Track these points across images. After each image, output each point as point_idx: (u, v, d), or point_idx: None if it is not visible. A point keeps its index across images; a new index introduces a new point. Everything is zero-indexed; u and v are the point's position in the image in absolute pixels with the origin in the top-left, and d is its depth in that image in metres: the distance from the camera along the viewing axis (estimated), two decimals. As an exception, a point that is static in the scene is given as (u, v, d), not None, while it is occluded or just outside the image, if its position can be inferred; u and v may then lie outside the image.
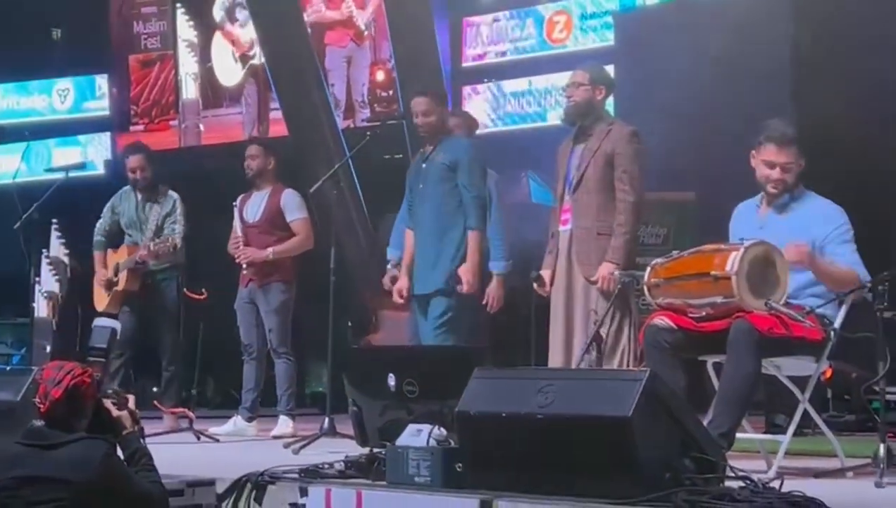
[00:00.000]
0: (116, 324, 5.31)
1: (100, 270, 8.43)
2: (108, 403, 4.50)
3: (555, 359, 6.44)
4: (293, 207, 8.14)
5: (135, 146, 8.90)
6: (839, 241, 5.40)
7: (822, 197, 5.57)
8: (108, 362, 4.70)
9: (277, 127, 13.47)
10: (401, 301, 7.23)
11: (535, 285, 6.46)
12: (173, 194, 8.40)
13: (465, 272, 6.90)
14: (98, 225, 8.55)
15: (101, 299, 8.37)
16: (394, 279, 7.55)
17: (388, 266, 7.70)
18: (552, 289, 6.52)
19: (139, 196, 8.41)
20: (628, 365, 6.20)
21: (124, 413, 4.49)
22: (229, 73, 14.50)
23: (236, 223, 8.24)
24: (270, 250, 8.05)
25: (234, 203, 8.31)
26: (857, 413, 8.15)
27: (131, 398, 4.53)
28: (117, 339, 5.39)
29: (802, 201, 5.54)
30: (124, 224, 8.46)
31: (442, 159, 7.03)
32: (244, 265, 8.07)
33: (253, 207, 8.27)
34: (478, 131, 8.55)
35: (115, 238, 8.51)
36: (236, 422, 8.10)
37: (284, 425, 7.93)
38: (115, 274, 8.30)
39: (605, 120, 6.56)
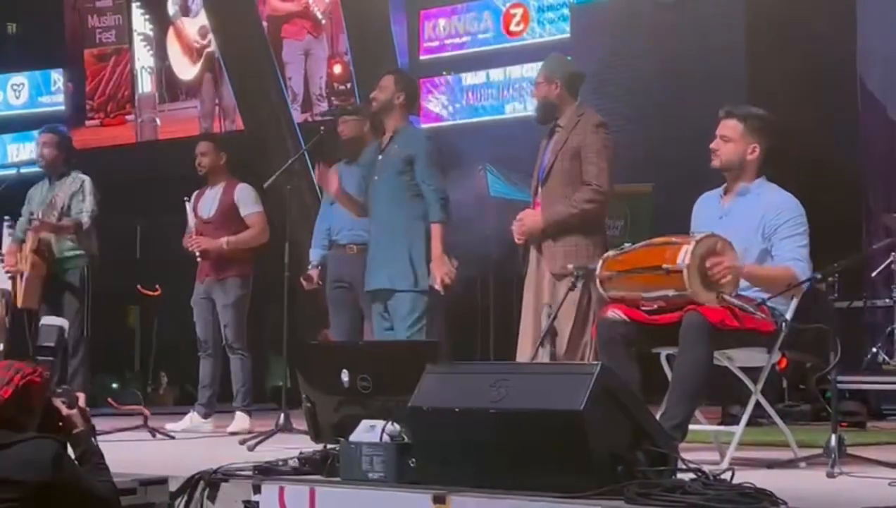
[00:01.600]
0: (64, 321, 5.25)
1: (8, 261, 8.21)
2: (58, 402, 4.46)
3: (523, 353, 6.40)
4: (248, 201, 8.12)
5: (48, 126, 8.70)
6: (786, 234, 5.41)
7: (782, 190, 5.57)
8: (56, 360, 4.66)
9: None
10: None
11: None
12: (82, 176, 8.27)
13: (437, 268, 6.73)
14: (20, 222, 8.33)
15: (16, 293, 8.13)
16: (309, 280, 7.60)
17: (310, 267, 7.73)
18: (525, 282, 6.51)
19: (54, 180, 8.25)
20: (586, 359, 6.18)
21: (74, 412, 4.45)
22: (186, 67, 14.45)
23: (190, 219, 8.20)
24: (225, 239, 8.03)
25: (185, 199, 8.26)
26: (812, 403, 8.22)
27: (81, 397, 4.48)
28: (65, 337, 5.33)
29: (761, 192, 5.54)
30: (34, 209, 8.25)
31: (398, 152, 6.87)
32: (199, 258, 8.03)
33: (207, 202, 8.23)
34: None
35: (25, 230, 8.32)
36: (192, 419, 8.08)
37: (241, 421, 7.90)
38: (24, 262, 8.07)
39: (575, 111, 6.44)
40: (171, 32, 14.48)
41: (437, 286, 6.70)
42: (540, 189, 6.46)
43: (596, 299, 6.23)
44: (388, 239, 6.86)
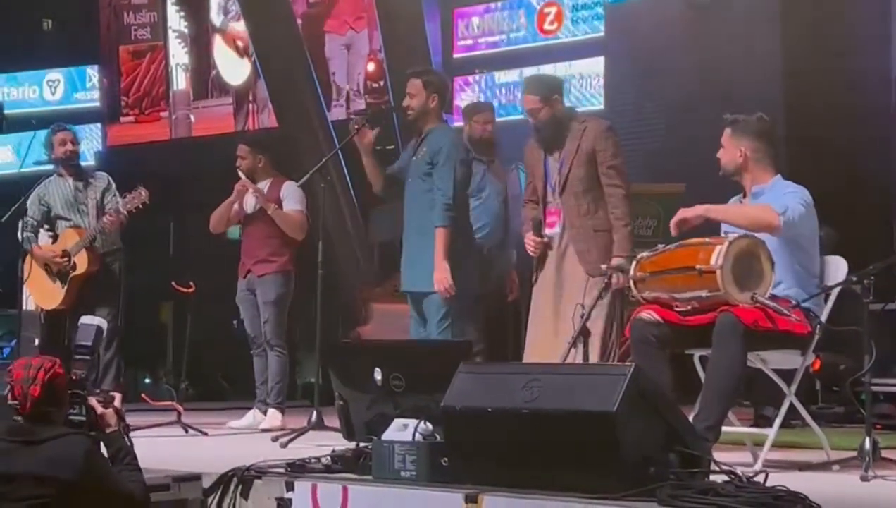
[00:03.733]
0: (103, 321, 5.27)
1: (44, 259, 8.07)
2: (93, 400, 4.50)
3: (535, 355, 6.43)
4: (293, 198, 8.11)
5: (60, 124, 8.65)
6: (783, 193, 5.44)
7: (795, 184, 5.58)
8: (92, 359, 4.71)
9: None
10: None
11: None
12: (104, 173, 8.31)
13: (435, 273, 6.73)
14: (26, 221, 8.15)
15: (50, 295, 8.08)
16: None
17: None
18: (537, 286, 6.56)
19: (70, 180, 8.24)
20: (616, 359, 6.21)
21: (109, 411, 4.48)
22: (236, 71, 14.43)
23: (236, 207, 8.28)
24: (273, 205, 8.06)
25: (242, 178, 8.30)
26: (846, 405, 8.16)
27: (117, 397, 4.53)
28: (103, 337, 5.36)
29: (775, 190, 5.55)
30: (59, 210, 8.18)
31: (424, 154, 6.91)
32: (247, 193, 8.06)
33: (251, 198, 8.26)
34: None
35: (37, 231, 8.26)
36: (255, 415, 8.08)
37: (274, 418, 7.92)
38: (68, 261, 8.00)
39: (576, 119, 6.56)
40: (216, 41, 14.48)
41: (437, 289, 6.72)
42: (553, 198, 6.51)
43: (621, 299, 6.28)
44: (416, 241, 6.90)
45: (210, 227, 8.42)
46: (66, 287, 8.02)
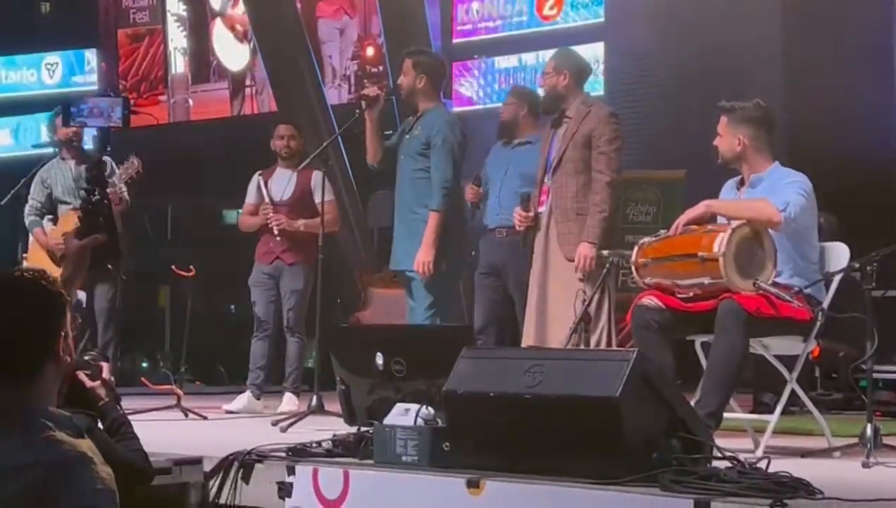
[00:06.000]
0: (82, 294, 5.23)
1: (46, 243, 8.12)
2: (81, 375, 4.44)
3: (528, 337, 6.49)
4: (323, 188, 8.09)
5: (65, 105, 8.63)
6: (783, 183, 5.42)
7: (794, 170, 5.57)
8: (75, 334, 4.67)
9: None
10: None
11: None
12: (107, 158, 8.30)
13: (420, 254, 6.79)
14: (30, 204, 8.24)
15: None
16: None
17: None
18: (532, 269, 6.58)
19: (72, 163, 8.24)
20: (608, 344, 6.23)
21: (97, 384, 4.43)
22: (236, 57, 14.41)
23: (253, 196, 8.25)
24: (301, 221, 8.05)
25: (257, 173, 8.27)
26: (845, 392, 8.18)
27: (105, 367, 4.45)
28: (83, 309, 5.31)
29: (773, 178, 5.53)
30: (59, 194, 8.22)
31: (419, 134, 6.94)
32: (277, 236, 8.03)
33: (280, 184, 8.20)
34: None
35: (42, 214, 8.31)
36: (249, 399, 8.08)
37: (290, 402, 7.94)
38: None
39: (583, 102, 6.58)
40: (216, 25, 14.45)
41: (418, 271, 6.76)
42: (547, 178, 6.52)
43: (612, 285, 6.30)
44: (406, 219, 6.96)
45: (241, 229, 8.43)
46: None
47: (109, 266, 4.66)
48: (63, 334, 2.99)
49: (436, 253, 6.80)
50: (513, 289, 7.11)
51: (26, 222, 8.19)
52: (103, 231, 4.21)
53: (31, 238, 8.16)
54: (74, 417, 4.15)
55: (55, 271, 7.91)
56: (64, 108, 8.04)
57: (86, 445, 2.86)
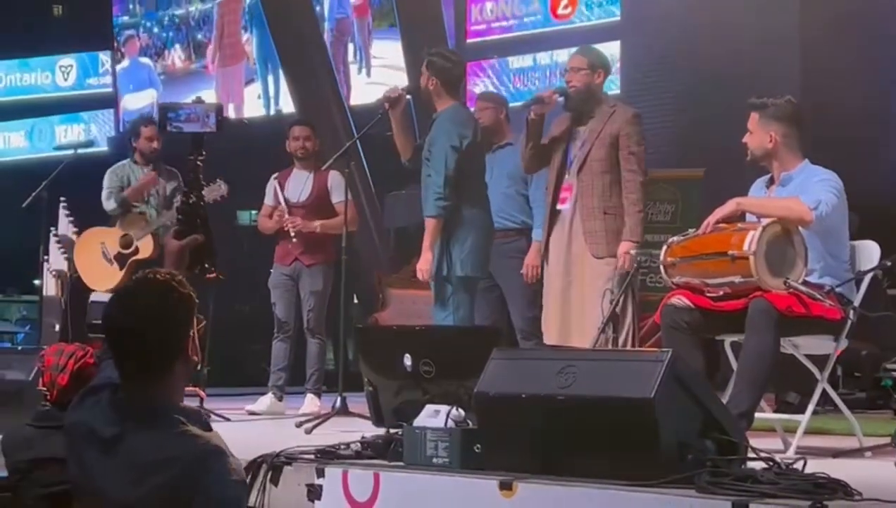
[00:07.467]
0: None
1: (104, 236, 8.27)
2: None
3: (549, 334, 6.48)
4: (340, 189, 8.05)
5: (149, 117, 8.80)
6: (814, 181, 5.39)
7: (824, 169, 5.53)
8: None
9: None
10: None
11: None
12: (176, 171, 8.40)
13: (419, 260, 6.75)
14: (108, 190, 8.33)
15: (106, 277, 8.12)
16: None
17: None
18: (548, 267, 6.57)
19: (144, 170, 8.33)
20: (633, 344, 6.21)
21: None
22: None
23: (272, 198, 8.26)
24: (318, 223, 8.05)
25: (273, 176, 8.28)
26: (868, 391, 8.15)
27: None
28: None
29: (803, 177, 5.50)
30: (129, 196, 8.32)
31: (426, 139, 6.90)
32: (294, 239, 8.02)
33: (297, 186, 8.22)
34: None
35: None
36: (271, 400, 8.08)
37: (312, 403, 7.93)
38: (127, 246, 8.15)
39: (606, 102, 6.59)
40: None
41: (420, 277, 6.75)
42: (569, 176, 6.51)
43: (636, 284, 6.31)
44: (422, 224, 6.90)
45: (260, 230, 8.45)
46: (124, 270, 8.11)
47: (206, 265, 4.58)
48: (191, 333, 3.05)
49: (434, 258, 6.71)
50: (506, 291, 7.22)
51: (112, 205, 8.29)
52: (201, 232, 4.22)
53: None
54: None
55: (110, 272, 8.05)
56: (161, 112, 8.12)
57: (217, 438, 2.91)
